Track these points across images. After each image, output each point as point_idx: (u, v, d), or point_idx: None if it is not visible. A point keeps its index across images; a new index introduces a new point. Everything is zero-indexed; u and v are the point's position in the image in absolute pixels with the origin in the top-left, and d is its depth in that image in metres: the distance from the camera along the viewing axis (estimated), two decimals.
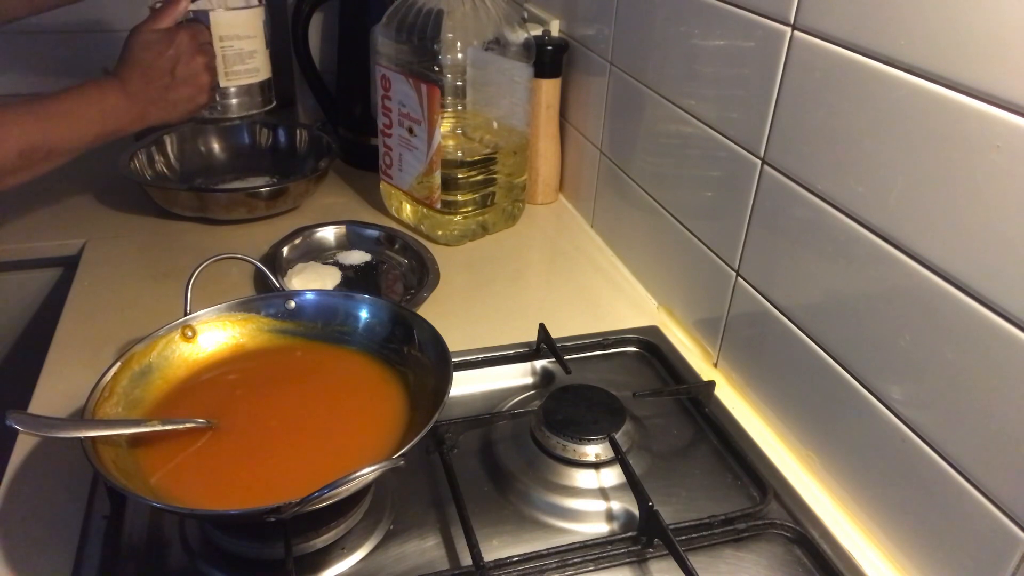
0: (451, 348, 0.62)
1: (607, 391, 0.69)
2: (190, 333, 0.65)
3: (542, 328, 0.76)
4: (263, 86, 0.97)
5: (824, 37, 0.59)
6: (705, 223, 0.79)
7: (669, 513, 0.59)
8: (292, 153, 1.16)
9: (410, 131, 0.96)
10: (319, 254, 0.96)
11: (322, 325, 0.68)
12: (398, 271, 0.94)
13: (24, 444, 0.65)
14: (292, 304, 0.68)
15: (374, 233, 0.98)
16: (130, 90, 0.82)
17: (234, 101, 0.95)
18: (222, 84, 0.92)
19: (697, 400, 0.72)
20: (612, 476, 0.63)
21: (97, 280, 0.89)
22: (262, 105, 0.98)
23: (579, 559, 0.57)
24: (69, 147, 0.78)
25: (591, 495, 0.62)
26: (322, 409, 0.62)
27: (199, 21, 0.89)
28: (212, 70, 0.89)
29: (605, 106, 0.97)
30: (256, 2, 0.94)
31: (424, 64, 0.93)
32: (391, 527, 0.60)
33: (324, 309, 0.68)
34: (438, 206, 0.97)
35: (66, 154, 0.78)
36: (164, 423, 0.57)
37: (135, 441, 0.56)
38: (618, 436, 0.64)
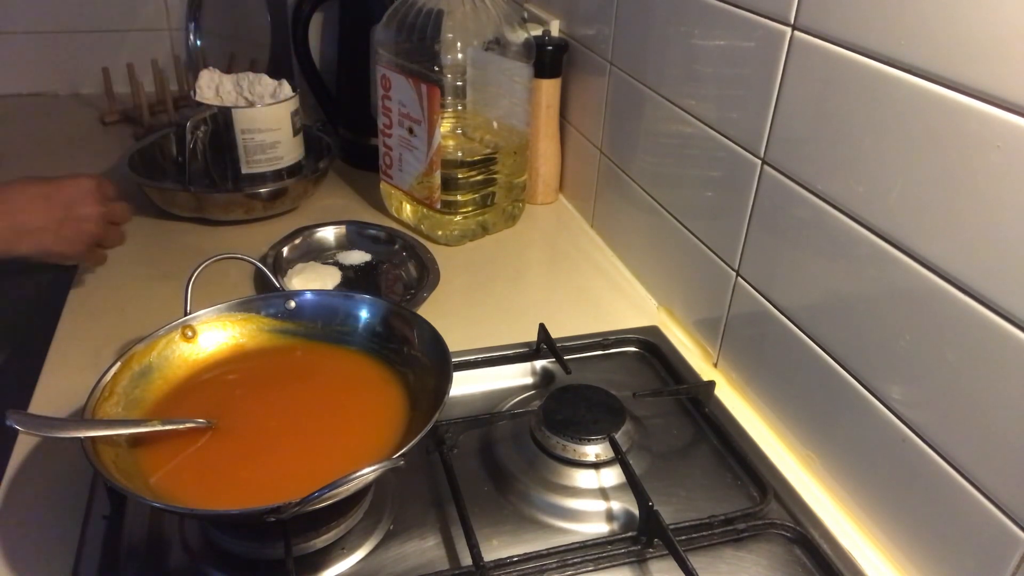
0: (451, 348, 0.62)
1: (607, 391, 0.69)
2: (190, 333, 0.65)
3: (542, 328, 0.76)
4: (283, 172, 1.03)
5: (824, 37, 0.59)
6: (705, 223, 0.79)
7: (669, 513, 0.59)
8: None
9: (410, 131, 0.96)
10: (319, 254, 0.96)
11: (322, 325, 0.68)
12: (398, 271, 0.94)
13: (24, 444, 0.65)
14: (292, 304, 0.68)
15: (374, 233, 0.98)
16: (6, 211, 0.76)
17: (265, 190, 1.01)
18: (243, 171, 1.00)
19: (697, 400, 0.72)
20: (612, 476, 0.63)
21: (97, 280, 0.89)
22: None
23: (579, 559, 0.57)
24: None
25: (591, 495, 0.62)
26: (322, 409, 0.62)
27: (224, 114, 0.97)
28: (102, 227, 0.82)
29: (605, 106, 0.97)
30: (290, 93, 1.01)
31: (424, 64, 0.93)
32: (391, 527, 0.60)
33: (324, 309, 0.68)
34: (438, 206, 0.97)
35: None
36: (164, 423, 0.57)
37: (135, 441, 0.56)
38: (618, 436, 0.64)
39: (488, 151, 0.99)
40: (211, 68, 1.04)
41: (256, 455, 0.58)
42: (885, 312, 0.57)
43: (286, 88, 1.02)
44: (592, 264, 0.98)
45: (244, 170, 1.00)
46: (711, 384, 0.73)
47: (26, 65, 1.30)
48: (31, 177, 0.79)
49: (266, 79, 1.02)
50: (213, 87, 1.02)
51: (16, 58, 1.29)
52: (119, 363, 0.59)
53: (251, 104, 1.00)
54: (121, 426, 0.56)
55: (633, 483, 0.59)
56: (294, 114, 1.01)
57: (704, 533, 0.59)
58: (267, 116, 0.99)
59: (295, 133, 1.02)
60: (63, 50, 1.30)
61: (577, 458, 0.63)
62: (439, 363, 0.61)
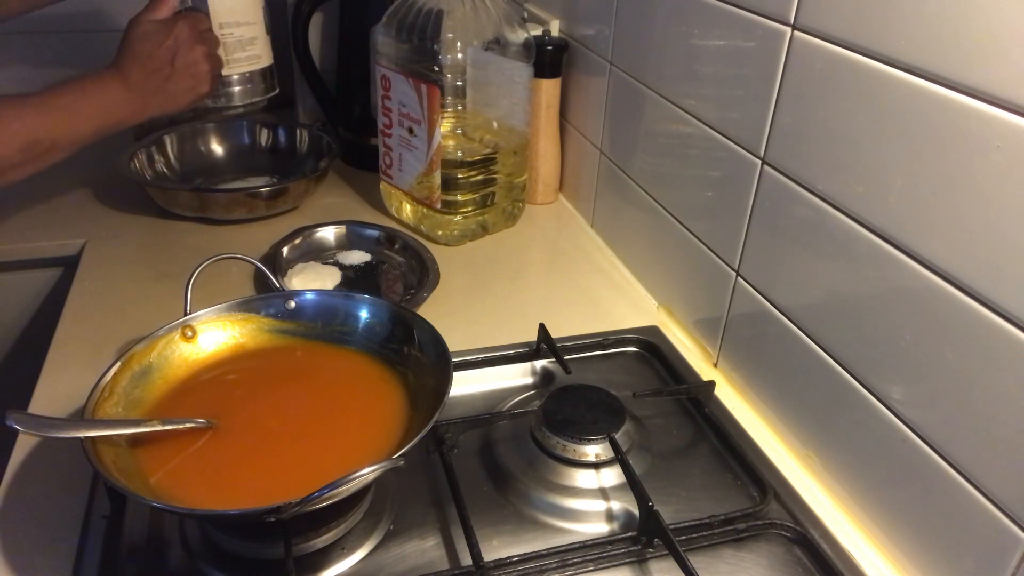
0: (451, 348, 0.62)
1: (607, 391, 0.69)
2: (190, 333, 0.65)
3: (542, 328, 0.76)
4: (265, 73, 0.96)
5: (824, 37, 0.59)
6: (705, 223, 0.79)
7: (669, 513, 0.59)
8: (292, 153, 1.16)
9: (410, 131, 0.96)
10: (319, 254, 0.96)
11: (322, 325, 0.68)
12: (398, 271, 0.94)
13: (24, 444, 0.65)
14: (292, 304, 0.68)
15: (374, 233, 0.98)
16: (130, 82, 0.81)
17: (237, 89, 0.94)
18: (224, 72, 0.91)
19: (697, 400, 0.72)
20: (612, 476, 0.63)
21: (97, 280, 0.89)
22: (265, 92, 0.97)
23: (579, 559, 0.57)
24: (71, 141, 0.77)
25: (591, 495, 0.62)
26: (322, 409, 0.62)
27: (197, 9, 0.88)
28: (213, 59, 0.87)
29: (605, 106, 0.97)
30: None
31: (424, 64, 0.93)
32: (391, 527, 0.60)
33: (324, 309, 0.68)
34: (438, 206, 0.97)
35: (68, 148, 0.77)
36: (164, 423, 0.57)
37: (135, 441, 0.56)
38: (618, 436, 0.64)
39: (488, 151, 0.99)
40: None
41: (256, 455, 0.58)
42: (885, 312, 0.57)
43: None
44: (592, 264, 0.98)
45: (224, 71, 0.90)
46: (711, 384, 0.73)
47: (26, 65, 1.30)
48: (129, 44, 0.82)
49: None
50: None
51: (16, 58, 1.29)
52: (119, 363, 0.59)
53: None
54: (121, 426, 0.56)
55: (633, 483, 0.59)
56: (264, 10, 0.94)
57: (704, 533, 0.59)
58: (244, 7, 0.90)
59: (267, 32, 0.94)
60: (63, 50, 1.30)
61: (577, 458, 0.63)
62: (439, 363, 0.61)
